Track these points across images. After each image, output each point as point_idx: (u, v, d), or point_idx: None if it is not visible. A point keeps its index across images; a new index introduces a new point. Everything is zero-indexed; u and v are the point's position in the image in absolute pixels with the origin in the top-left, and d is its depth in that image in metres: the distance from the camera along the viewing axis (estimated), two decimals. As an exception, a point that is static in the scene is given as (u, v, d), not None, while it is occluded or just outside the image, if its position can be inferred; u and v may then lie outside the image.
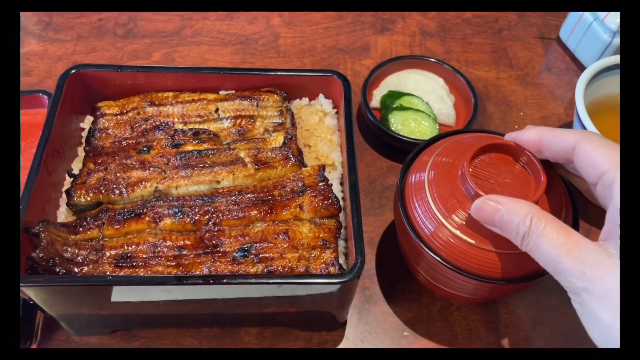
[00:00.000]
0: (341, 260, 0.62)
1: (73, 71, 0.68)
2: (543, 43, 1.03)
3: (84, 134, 0.70)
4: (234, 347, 0.67)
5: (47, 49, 0.94)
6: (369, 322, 0.70)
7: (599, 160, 0.49)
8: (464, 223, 0.56)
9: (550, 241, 0.47)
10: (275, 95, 0.71)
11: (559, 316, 0.71)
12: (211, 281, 0.53)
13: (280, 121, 0.70)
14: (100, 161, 0.66)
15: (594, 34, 0.92)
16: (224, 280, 0.54)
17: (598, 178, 0.49)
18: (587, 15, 0.92)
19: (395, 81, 0.90)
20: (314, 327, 0.68)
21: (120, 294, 0.56)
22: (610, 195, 0.47)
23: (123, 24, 0.99)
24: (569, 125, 0.90)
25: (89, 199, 0.62)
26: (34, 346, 0.65)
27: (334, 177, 0.69)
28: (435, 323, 0.70)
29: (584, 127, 0.72)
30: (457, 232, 0.56)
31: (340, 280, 0.55)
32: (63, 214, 0.64)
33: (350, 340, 0.68)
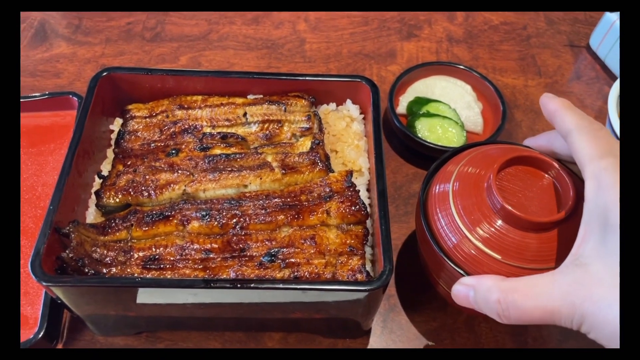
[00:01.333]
0: (368, 267, 0.61)
1: (104, 73, 0.69)
2: (572, 51, 1.01)
3: (113, 135, 0.71)
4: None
5: (76, 51, 0.95)
6: (394, 331, 0.69)
7: (581, 154, 0.47)
8: (489, 237, 0.54)
9: (525, 301, 0.45)
10: (303, 100, 0.71)
11: (589, 330, 0.69)
12: (239, 285, 0.53)
13: (308, 126, 0.69)
14: (129, 163, 0.66)
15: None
16: (252, 285, 0.53)
17: (581, 172, 0.47)
18: (619, 23, 0.91)
19: (422, 87, 0.89)
20: (338, 334, 0.68)
21: (147, 296, 0.56)
22: (585, 194, 0.45)
23: (151, 28, 1.00)
24: (599, 134, 0.88)
25: (117, 200, 0.63)
26: (59, 346, 0.65)
27: (361, 183, 0.68)
28: (461, 334, 0.69)
29: (617, 137, 0.71)
30: (482, 246, 0.54)
31: (368, 287, 0.54)
32: (92, 215, 0.64)
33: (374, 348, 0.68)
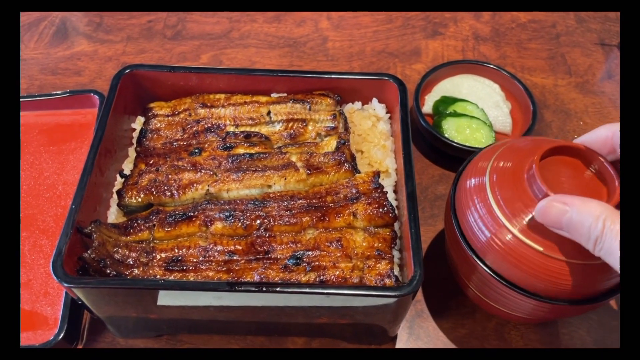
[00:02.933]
0: (396, 272, 0.59)
1: (127, 71, 0.68)
2: (603, 49, 0.98)
3: (135, 134, 0.70)
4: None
5: (97, 49, 0.95)
6: (420, 338, 0.67)
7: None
8: (531, 228, 0.51)
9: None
10: (329, 99, 0.69)
11: (626, 340, 0.66)
12: (264, 289, 0.51)
13: (333, 125, 0.68)
14: (151, 162, 0.65)
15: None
16: (277, 289, 0.52)
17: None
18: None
19: (448, 86, 0.87)
20: (363, 340, 0.66)
21: (169, 298, 0.55)
22: None
23: (172, 26, 0.99)
24: (633, 136, 0.85)
25: (140, 200, 0.62)
26: (79, 347, 0.64)
27: (388, 184, 0.66)
28: (490, 341, 0.66)
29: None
30: (522, 237, 0.51)
31: (398, 293, 0.52)
32: (114, 215, 0.63)
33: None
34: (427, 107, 0.85)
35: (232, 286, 0.52)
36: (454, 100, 0.83)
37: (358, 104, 0.72)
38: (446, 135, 0.80)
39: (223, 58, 0.94)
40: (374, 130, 0.70)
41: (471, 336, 0.67)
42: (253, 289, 0.51)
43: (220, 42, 0.97)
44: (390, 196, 0.65)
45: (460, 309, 0.69)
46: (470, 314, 0.68)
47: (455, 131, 0.80)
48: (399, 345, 0.66)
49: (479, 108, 0.83)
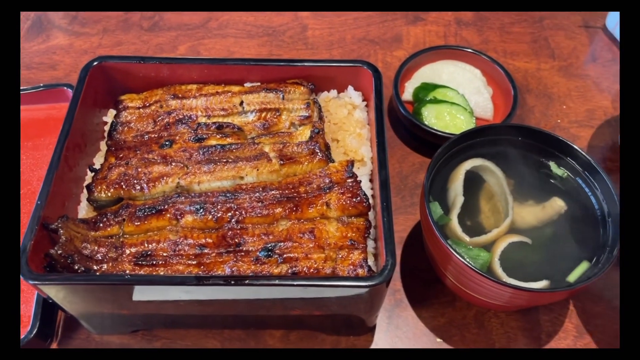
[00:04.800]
0: (370, 261, 0.58)
1: (95, 63, 0.66)
2: (588, 32, 0.96)
3: (107, 127, 0.69)
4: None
5: (73, 42, 0.93)
6: (400, 327, 0.66)
7: None
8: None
9: None
10: (302, 87, 0.68)
11: (606, 325, 0.66)
12: (232, 282, 0.50)
13: (307, 114, 0.66)
14: (121, 156, 0.64)
15: (646, 21, 0.85)
16: (246, 282, 0.51)
17: None
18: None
19: (428, 73, 0.85)
20: (342, 331, 0.65)
21: (139, 293, 0.54)
22: None
23: (149, 17, 0.97)
24: (616, 119, 0.84)
25: (109, 194, 0.61)
26: (54, 345, 0.63)
27: (363, 173, 0.65)
28: (470, 329, 0.66)
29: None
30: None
31: (370, 283, 0.51)
32: (84, 210, 0.62)
33: (379, 346, 0.65)
34: (408, 95, 0.84)
35: (200, 280, 0.51)
36: (434, 86, 0.82)
37: (334, 92, 0.71)
38: (426, 122, 0.78)
39: (201, 49, 0.93)
40: (350, 119, 0.69)
41: (451, 325, 0.66)
42: (221, 282, 0.51)
43: (198, 32, 0.95)
44: (366, 185, 0.64)
45: (440, 297, 0.68)
46: (450, 302, 0.67)
47: (435, 118, 0.79)
48: (378, 335, 0.65)
49: (459, 94, 0.81)
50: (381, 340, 0.65)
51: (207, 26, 0.96)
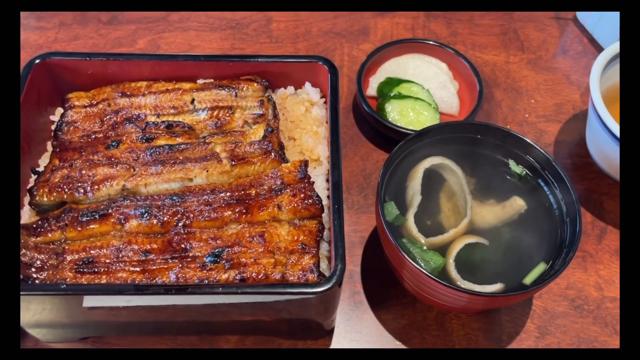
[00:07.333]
0: (324, 265, 0.56)
1: (37, 60, 0.63)
2: (558, 23, 0.94)
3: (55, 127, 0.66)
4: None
5: (27, 37, 0.90)
6: (359, 330, 0.64)
7: None
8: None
9: None
10: (256, 84, 0.65)
11: (568, 325, 0.65)
12: (173, 291, 0.48)
13: (261, 112, 0.64)
14: (66, 157, 0.61)
15: (615, 14, 0.83)
16: (188, 290, 0.49)
17: None
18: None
19: (394, 67, 0.83)
20: (299, 335, 0.63)
21: (78, 302, 0.51)
22: None
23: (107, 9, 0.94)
24: (585, 113, 0.83)
25: (52, 198, 0.58)
26: (-1, 354, 0.61)
27: (320, 173, 0.63)
28: (430, 332, 0.64)
29: (599, 117, 0.65)
30: None
31: (317, 290, 0.49)
32: (27, 214, 0.59)
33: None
34: (372, 90, 0.82)
35: (139, 289, 0.49)
36: (399, 81, 0.80)
37: (291, 89, 0.69)
38: (389, 118, 0.76)
39: (161, 43, 0.90)
40: (308, 116, 0.67)
41: (411, 327, 0.65)
42: (161, 291, 0.49)
43: (158, 25, 0.92)
44: (322, 186, 0.62)
45: (400, 299, 0.66)
46: (411, 304, 0.66)
47: (399, 114, 0.77)
48: (336, 338, 0.64)
49: (424, 89, 0.79)
50: (339, 344, 0.63)
51: (168, 19, 0.93)
